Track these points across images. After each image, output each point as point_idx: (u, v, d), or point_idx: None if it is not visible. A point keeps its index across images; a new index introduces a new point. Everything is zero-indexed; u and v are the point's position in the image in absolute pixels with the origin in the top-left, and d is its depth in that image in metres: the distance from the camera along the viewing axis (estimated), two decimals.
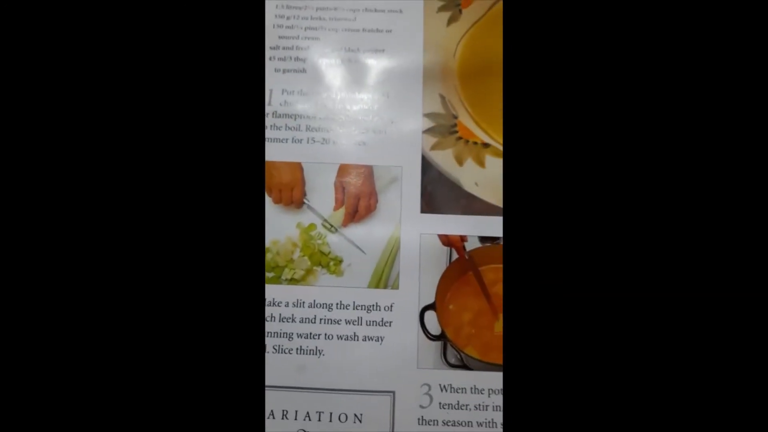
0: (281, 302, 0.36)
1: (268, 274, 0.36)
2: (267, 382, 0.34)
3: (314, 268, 0.37)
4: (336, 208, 0.38)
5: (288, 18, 0.41)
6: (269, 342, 0.35)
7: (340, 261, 0.37)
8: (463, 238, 0.37)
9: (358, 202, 0.38)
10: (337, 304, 0.36)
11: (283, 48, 0.40)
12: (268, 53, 0.40)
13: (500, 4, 0.41)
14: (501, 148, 0.38)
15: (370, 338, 0.36)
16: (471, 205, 0.37)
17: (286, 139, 0.38)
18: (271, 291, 0.36)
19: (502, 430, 0.33)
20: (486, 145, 0.38)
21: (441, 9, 0.41)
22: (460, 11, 0.42)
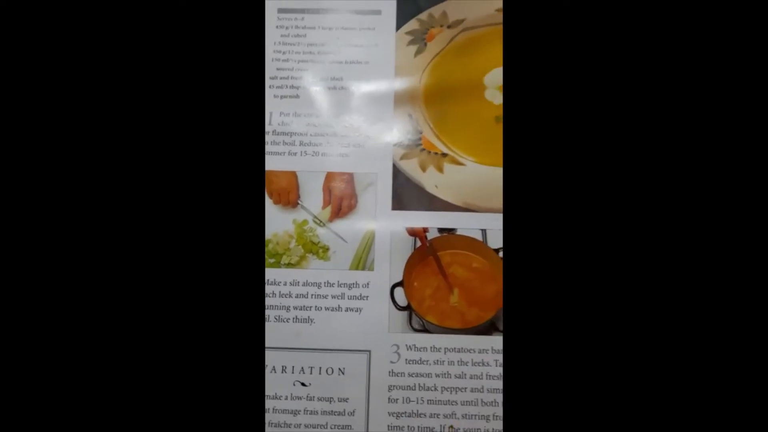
0: (281, 282, 0.41)
1: (270, 260, 0.41)
2: (269, 344, 0.40)
3: (306, 254, 0.42)
4: (324, 207, 0.43)
5: (284, 53, 0.46)
6: (272, 313, 0.40)
7: (327, 249, 0.42)
8: (425, 230, 0.42)
9: (342, 202, 0.43)
10: (324, 282, 0.41)
11: (280, 78, 0.46)
12: (268, 82, 0.45)
13: (455, 40, 0.47)
14: (457, 157, 0.44)
15: (351, 309, 0.41)
16: (432, 203, 0.43)
17: (284, 153, 0.44)
18: (273, 273, 0.41)
19: (456, 380, 0.39)
20: (444, 155, 0.44)
21: (410, 43, 0.47)
22: (425, 44, 0.47)
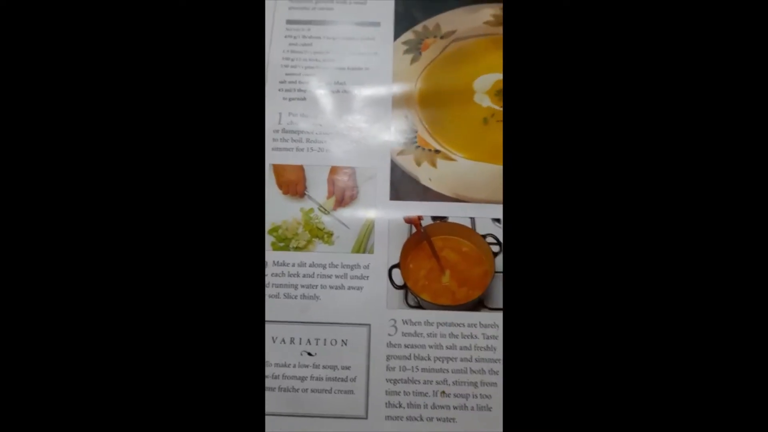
0: (290, 263, 0.44)
1: (280, 244, 0.44)
2: (280, 319, 0.43)
3: (313, 239, 0.44)
4: (328, 197, 0.46)
5: (292, 60, 0.51)
6: (281, 291, 0.43)
7: (332, 234, 0.45)
8: (419, 218, 0.45)
9: (345, 193, 0.46)
10: (329, 264, 0.44)
11: (289, 82, 0.50)
12: (278, 86, 0.50)
13: (447, 49, 0.51)
14: (448, 153, 0.48)
15: (353, 288, 0.43)
16: (426, 194, 0.46)
17: (292, 149, 0.48)
18: (282, 256, 0.44)
19: (447, 351, 0.42)
20: (437, 152, 0.48)
21: (406, 52, 0.51)
22: (420, 53, 0.51)
